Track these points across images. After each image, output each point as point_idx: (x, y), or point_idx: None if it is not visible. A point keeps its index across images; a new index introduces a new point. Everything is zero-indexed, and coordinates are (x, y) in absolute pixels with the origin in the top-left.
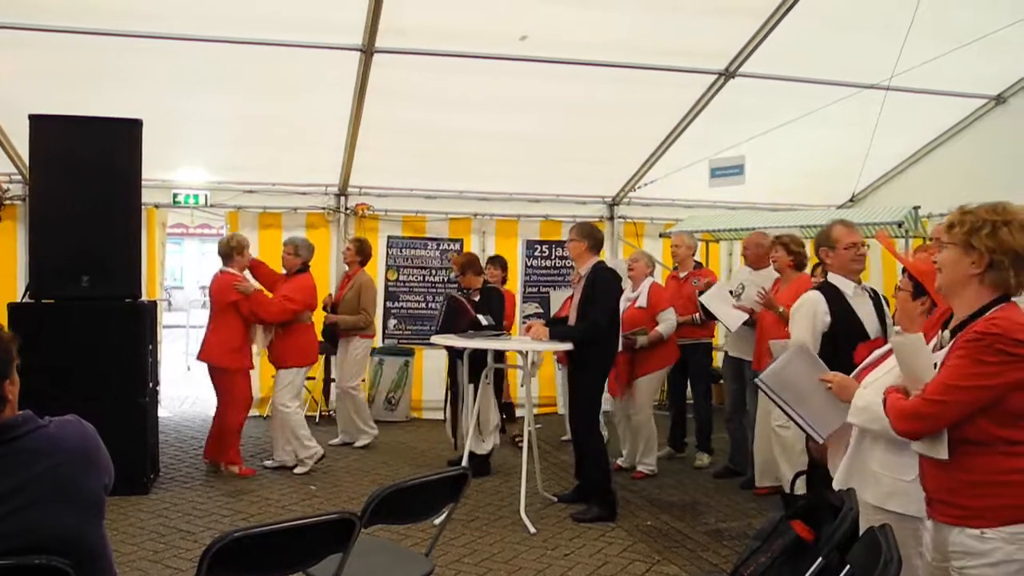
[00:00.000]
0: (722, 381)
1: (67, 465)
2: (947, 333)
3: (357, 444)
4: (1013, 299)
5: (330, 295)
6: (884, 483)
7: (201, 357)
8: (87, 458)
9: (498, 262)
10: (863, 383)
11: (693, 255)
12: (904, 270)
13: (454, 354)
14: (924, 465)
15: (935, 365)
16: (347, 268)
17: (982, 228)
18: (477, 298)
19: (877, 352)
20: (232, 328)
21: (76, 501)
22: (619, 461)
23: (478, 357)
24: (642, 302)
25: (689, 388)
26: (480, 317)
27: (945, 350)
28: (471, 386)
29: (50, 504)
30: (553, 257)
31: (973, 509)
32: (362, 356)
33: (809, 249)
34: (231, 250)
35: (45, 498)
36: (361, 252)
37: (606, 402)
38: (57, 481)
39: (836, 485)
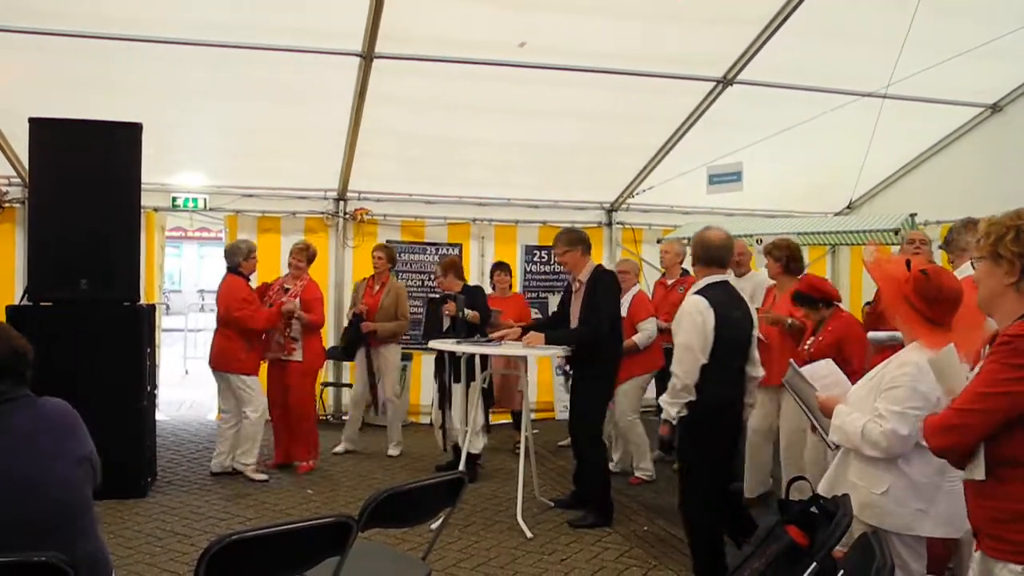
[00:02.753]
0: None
1: (56, 429)
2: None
3: (392, 453)
4: None
5: (361, 303)
6: (860, 493)
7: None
8: (71, 425)
9: (505, 268)
10: (848, 397)
11: (681, 262)
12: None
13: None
14: (968, 494)
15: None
16: (376, 274)
17: (1006, 235)
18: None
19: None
20: None
21: (69, 457)
22: (610, 465)
23: (467, 358)
24: (623, 311)
25: None
26: (466, 311)
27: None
28: (458, 386)
29: (49, 455)
30: (552, 262)
31: (1018, 544)
32: (398, 363)
33: (809, 255)
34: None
35: (45, 452)
36: (392, 259)
37: None
38: (53, 438)
39: (822, 492)
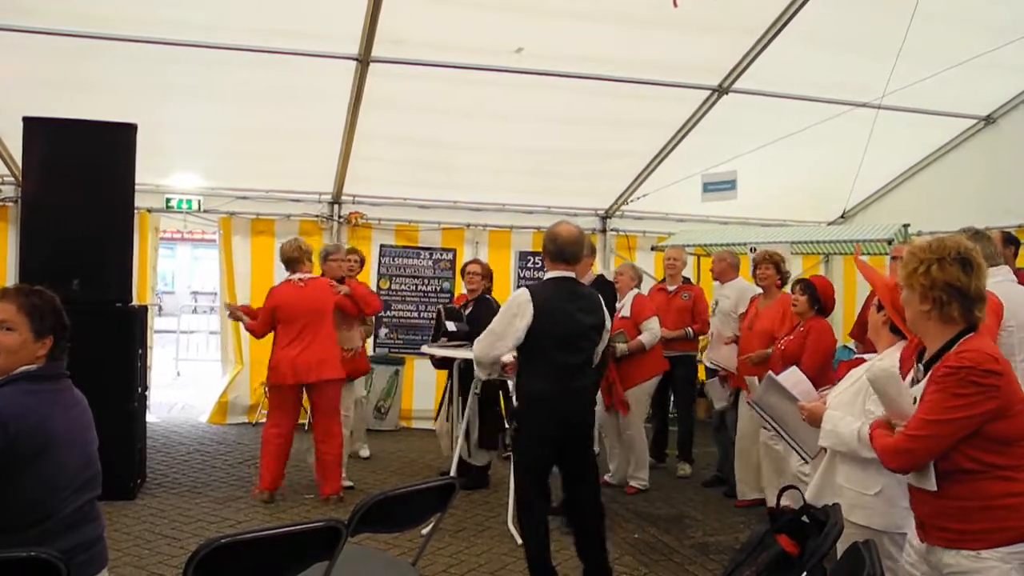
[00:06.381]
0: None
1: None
2: (921, 367)
3: (364, 455)
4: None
5: None
6: (848, 496)
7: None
8: None
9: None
10: (827, 402)
11: (683, 269)
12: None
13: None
14: (914, 492)
15: (914, 399)
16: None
17: (918, 267)
18: (469, 310)
19: (854, 370)
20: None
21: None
22: (607, 477)
23: (468, 368)
24: (625, 312)
25: (672, 400)
26: (449, 324)
27: (922, 384)
28: (460, 397)
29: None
30: (545, 268)
31: (967, 533)
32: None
33: (803, 263)
34: (303, 255)
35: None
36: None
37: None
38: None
39: (809, 498)
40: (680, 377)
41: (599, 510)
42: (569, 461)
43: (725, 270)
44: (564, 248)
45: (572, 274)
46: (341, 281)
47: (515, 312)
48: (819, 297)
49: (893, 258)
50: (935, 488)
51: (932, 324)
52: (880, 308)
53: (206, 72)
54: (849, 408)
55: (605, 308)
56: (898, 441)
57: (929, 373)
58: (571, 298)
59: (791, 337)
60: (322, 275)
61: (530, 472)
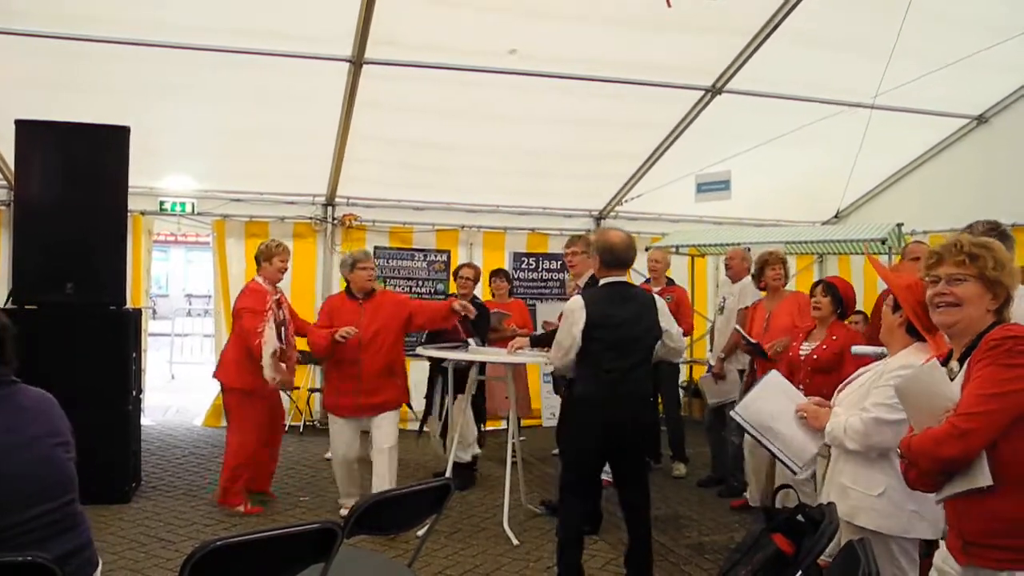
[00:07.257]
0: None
1: (52, 411)
2: (955, 363)
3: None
4: None
5: None
6: (852, 497)
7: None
8: (58, 409)
9: (502, 275)
10: (837, 401)
11: (666, 271)
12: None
13: (435, 366)
14: (958, 507)
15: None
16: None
17: (1006, 265)
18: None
19: (860, 370)
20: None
21: (66, 438)
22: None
23: (462, 369)
24: None
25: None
26: (471, 340)
27: (960, 376)
28: (457, 397)
29: (51, 434)
30: (540, 270)
31: None
32: None
33: (797, 264)
34: (258, 255)
35: (51, 432)
36: None
37: None
38: (50, 419)
39: (821, 499)
40: (664, 378)
41: (643, 521)
42: (615, 463)
43: (743, 269)
44: (620, 256)
45: (624, 278)
46: (371, 293)
47: (572, 321)
48: (842, 299)
49: (915, 259)
50: (991, 482)
51: (987, 322)
52: (896, 308)
53: (199, 74)
54: (856, 409)
55: (661, 308)
56: (952, 424)
57: (967, 363)
58: (622, 300)
59: (823, 346)
60: (347, 285)
61: (571, 469)
